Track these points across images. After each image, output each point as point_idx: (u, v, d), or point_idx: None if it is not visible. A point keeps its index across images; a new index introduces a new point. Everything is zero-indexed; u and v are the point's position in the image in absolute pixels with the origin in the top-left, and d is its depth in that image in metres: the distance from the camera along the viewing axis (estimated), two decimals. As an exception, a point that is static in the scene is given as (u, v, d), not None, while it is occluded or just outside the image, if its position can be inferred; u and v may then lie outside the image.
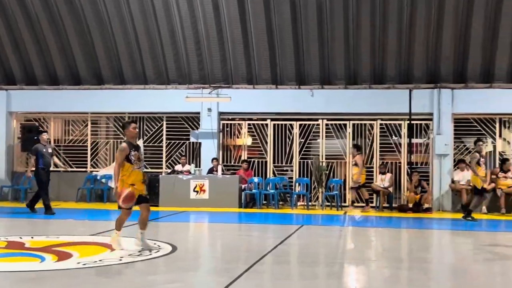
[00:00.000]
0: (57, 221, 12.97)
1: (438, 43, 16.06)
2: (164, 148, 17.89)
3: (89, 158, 18.30)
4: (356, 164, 16.20)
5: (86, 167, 18.22)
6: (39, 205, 13.95)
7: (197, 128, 17.60)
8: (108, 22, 17.11)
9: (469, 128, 16.71)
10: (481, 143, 13.57)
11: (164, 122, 17.98)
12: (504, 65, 16.04)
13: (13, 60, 18.04)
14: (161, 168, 17.80)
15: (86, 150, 18.35)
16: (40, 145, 13.97)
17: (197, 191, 16.09)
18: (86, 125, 18.47)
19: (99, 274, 7.15)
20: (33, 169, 14.26)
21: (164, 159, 17.83)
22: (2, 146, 18.15)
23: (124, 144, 8.54)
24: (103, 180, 17.48)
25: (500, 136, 16.59)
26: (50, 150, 14.15)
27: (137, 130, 8.94)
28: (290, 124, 17.43)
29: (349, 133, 17.19)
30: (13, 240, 9.46)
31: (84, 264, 7.50)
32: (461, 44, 16.03)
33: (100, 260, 7.75)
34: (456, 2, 15.50)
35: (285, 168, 17.52)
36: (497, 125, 16.56)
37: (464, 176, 15.95)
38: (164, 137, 17.93)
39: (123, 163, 8.37)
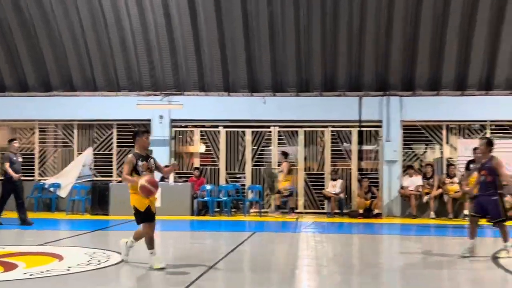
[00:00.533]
0: (3, 231, 12.62)
1: (387, 52, 16.37)
2: (114, 156, 17.61)
3: (36, 167, 17.86)
4: (282, 171, 16.29)
5: (34, 176, 17.77)
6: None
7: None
8: (56, 27, 16.79)
9: (417, 134, 17.07)
10: None
11: (115, 130, 17.71)
12: (450, 73, 16.45)
13: (-44, 65, 17.51)
14: (112, 176, 17.50)
15: (34, 158, 17.91)
16: (11, 154, 13.67)
17: (148, 199, 15.88)
18: (34, 133, 18.04)
19: (46, 285, 6.97)
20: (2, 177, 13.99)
21: (114, 167, 17.55)
22: None
23: (130, 156, 8.04)
24: (51, 189, 17.10)
25: (447, 142, 17.00)
26: (20, 159, 13.90)
27: (149, 141, 8.32)
28: (243, 131, 17.44)
29: (301, 140, 17.33)
30: (-44, 251, 9.15)
31: (30, 275, 7.31)
32: (409, 53, 16.38)
33: (48, 271, 7.57)
34: (405, 12, 15.85)
35: (237, 175, 17.51)
36: (444, 132, 16.96)
37: (412, 182, 16.26)
38: (114, 144, 17.66)
39: (133, 175, 7.85)
